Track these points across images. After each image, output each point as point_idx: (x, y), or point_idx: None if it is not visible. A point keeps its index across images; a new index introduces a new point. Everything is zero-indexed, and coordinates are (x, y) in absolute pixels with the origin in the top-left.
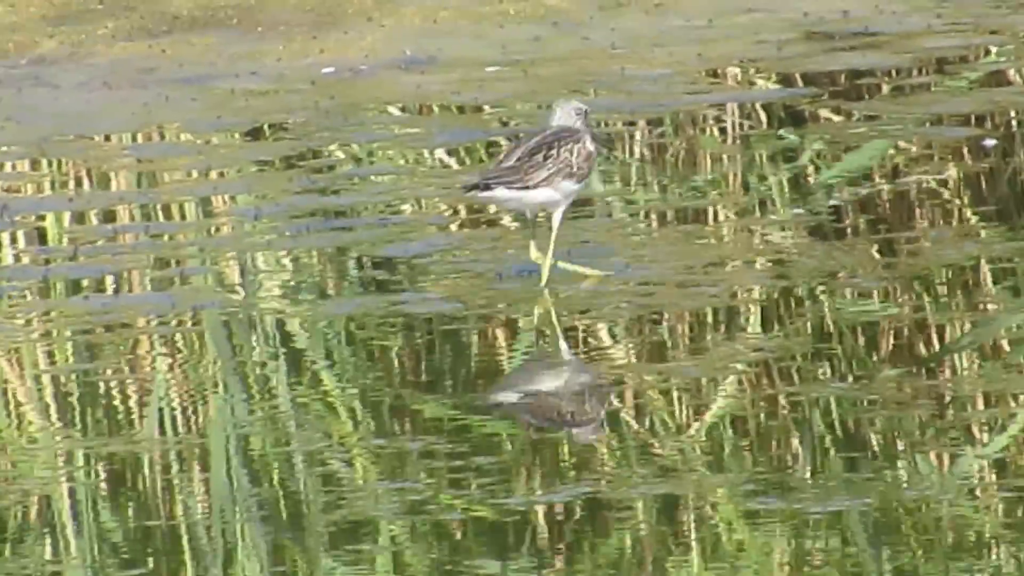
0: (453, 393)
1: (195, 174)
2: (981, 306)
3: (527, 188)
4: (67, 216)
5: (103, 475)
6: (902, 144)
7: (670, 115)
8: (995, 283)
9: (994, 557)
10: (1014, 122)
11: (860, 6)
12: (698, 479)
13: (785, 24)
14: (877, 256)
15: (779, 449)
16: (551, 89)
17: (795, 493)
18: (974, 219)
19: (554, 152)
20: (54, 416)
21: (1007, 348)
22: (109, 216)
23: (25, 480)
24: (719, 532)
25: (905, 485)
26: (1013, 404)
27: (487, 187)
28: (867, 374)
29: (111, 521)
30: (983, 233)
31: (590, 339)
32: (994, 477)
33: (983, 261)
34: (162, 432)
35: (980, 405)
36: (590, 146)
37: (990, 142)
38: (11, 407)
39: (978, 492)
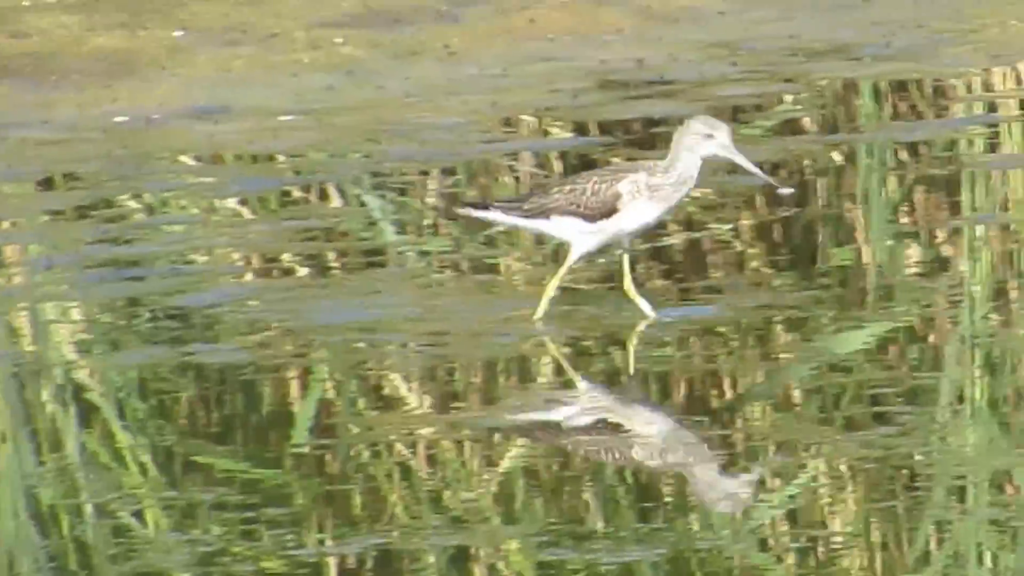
0: (245, 444)
1: None
2: (773, 356)
3: (524, 216)
4: None
5: None
6: (696, 192)
7: (464, 164)
8: (788, 332)
9: None
10: (808, 170)
11: (655, 54)
12: (491, 530)
13: (580, 73)
14: (666, 304)
15: (572, 499)
16: (345, 138)
17: (588, 543)
18: (768, 268)
19: (571, 186)
20: None
21: (798, 398)
22: None
23: None
24: None
25: (697, 535)
26: (804, 453)
27: (484, 207)
28: (657, 423)
29: None
30: (777, 282)
31: (384, 389)
32: (786, 526)
33: (776, 310)
34: None
35: (772, 454)
36: (625, 186)
37: (786, 190)
38: None
39: (770, 541)
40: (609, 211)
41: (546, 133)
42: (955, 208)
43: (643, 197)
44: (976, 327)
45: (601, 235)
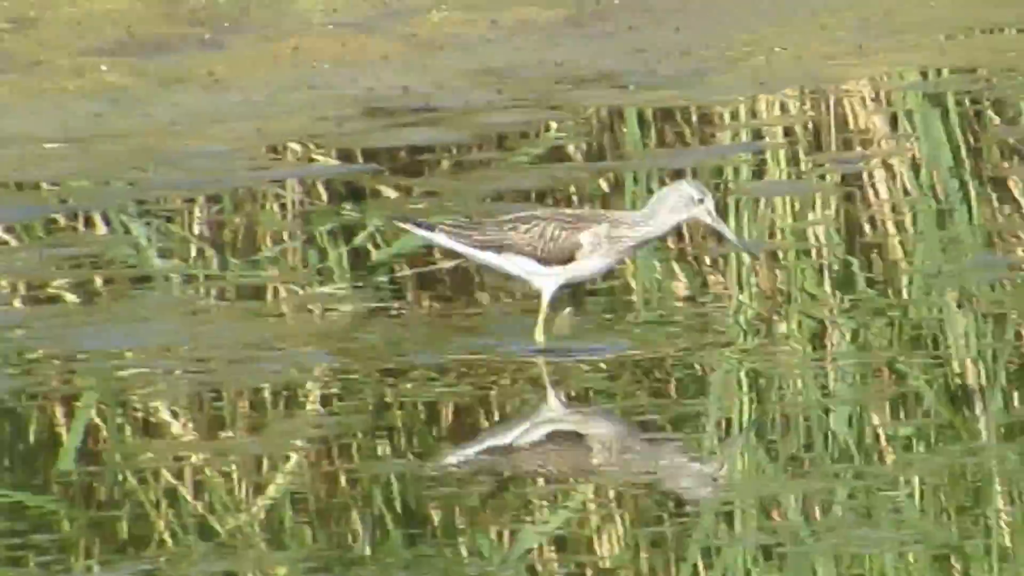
0: (11, 470)
1: None
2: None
3: (474, 246)
4: None
5: None
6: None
7: (230, 191)
8: (558, 356)
9: None
10: (574, 198)
11: (421, 82)
12: (258, 555)
13: (345, 100)
14: (438, 333)
15: (340, 526)
16: (111, 165)
17: (355, 570)
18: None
19: (528, 225)
20: None
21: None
22: None
23: None
24: None
25: (466, 561)
26: (572, 480)
27: (429, 227)
28: (428, 451)
29: None
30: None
31: (149, 416)
32: (554, 552)
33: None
34: None
35: (540, 481)
36: (587, 237)
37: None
38: None
39: (538, 567)
40: (566, 259)
41: (311, 160)
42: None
43: (602, 249)
44: (742, 354)
45: (555, 278)
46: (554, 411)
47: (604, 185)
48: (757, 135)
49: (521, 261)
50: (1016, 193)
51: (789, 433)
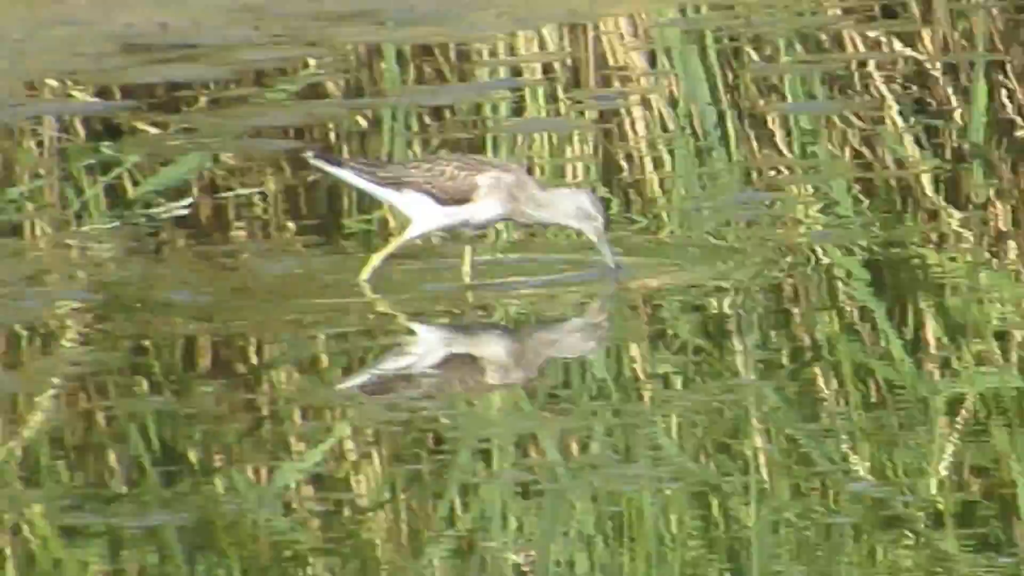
0: None
1: None
2: (301, 320)
3: (376, 182)
4: None
5: None
6: (221, 157)
7: None
8: (308, 296)
9: (362, 566)
10: (333, 134)
11: (179, 19)
12: (13, 495)
13: (103, 36)
14: (197, 270)
15: (96, 464)
16: None
17: (113, 508)
18: (293, 231)
19: (429, 165)
20: None
21: (325, 362)
22: None
23: None
24: (34, 548)
25: (223, 499)
26: (328, 418)
27: (338, 164)
28: (185, 389)
29: None
30: (301, 246)
31: None
32: (311, 491)
33: (302, 272)
34: None
35: (297, 419)
36: (485, 180)
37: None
38: None
39: (295, 505)
40: (462, 199)
41: (69, 97)
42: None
43: (501, 195)
44: (500, 291)
45: (446, 220)
46: (316, 346)
47: (363, 122)
48: (516, 72)
49: (418, 198)
50: (774, 130)
51: (546, 371)
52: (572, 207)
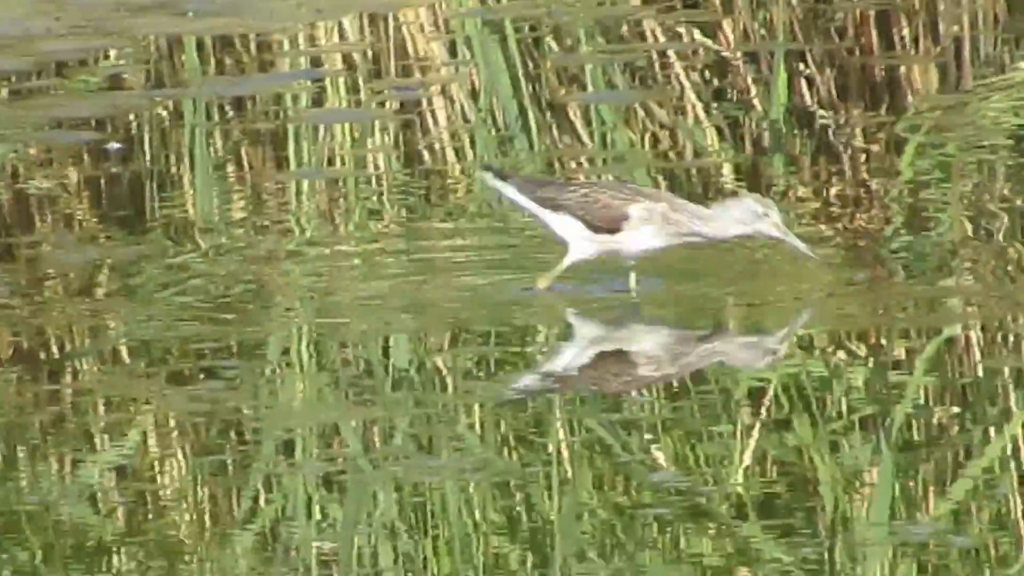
0: None
1: None
2: (98, 311)
3: (535, 202)
4: None
5: None
6: (21, 148)
7: None
8: (110, 283)
9: (116, 562)
10: (134, 126)
11: None
12: None
13: None
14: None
15: None
16: None
17: None
18: (95, 223)
19: (587, 190)
20: None
21: (127, 354)
22: None
23: None
24: None
25: (27, 491)
26: (131, 410)
27: (502, 177)
28: None
29: None
30: (104, 237)
31: None
32: (114, 482)
33: (104, 264)
34: None
35: (100, 411)
36: (636, 211)
37: (114, 146)
38: None
39: (99, 497)
40: (613, 228)
41: None
42: (282, 162)
43: (654, 225)
44: (286, 276)
45: (599, 247)
46: (118, 338)
47: (164, 112)
48: (316, 62)
49: (572, 223)
50: (574, 119)
51: (351, 360)
52: (741, 213)
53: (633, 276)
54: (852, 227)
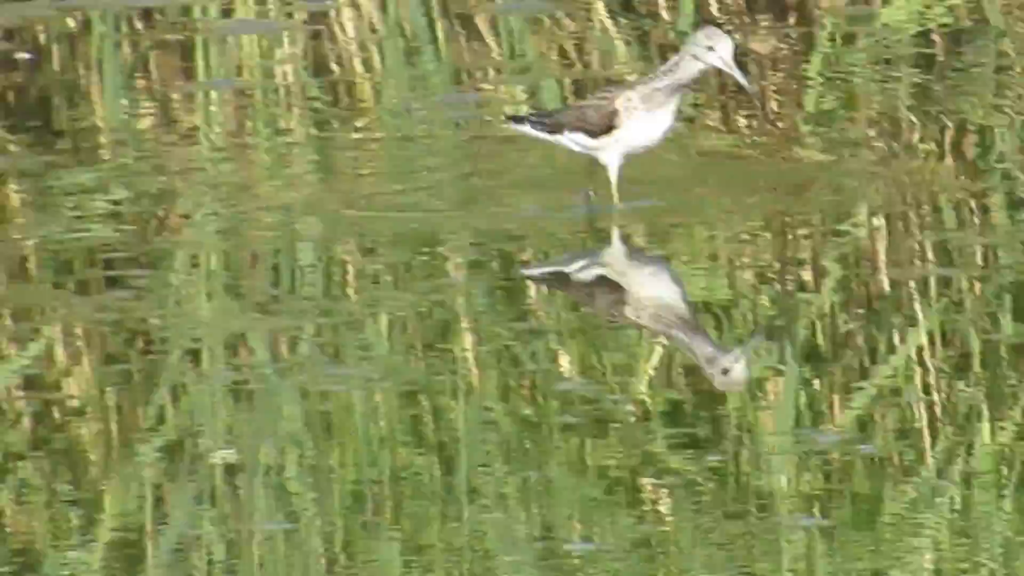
0: None
1: None
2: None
3: (546, 130)
4: None
5: None
6: None
7: None
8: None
9: None
10: (43, 36)
11: None
12: None
13: None
14: None
15: None
16: None
17: None
18: (5, 133)
19: (581, 102)
20: None
21: (34, 264)
22: None
23: None
24: None
25: None
26: (37, 319)
27: (520, 120)
28: None
29: None
30: (12, 147)
31: None
32: (21, 392)
33: (13, 174)
34: None
35: (7, 320)
36: (619, 103)
37: (24, 56)
38: None
39: (4, 407)
40: (609, 127)
41: None
42: (190, 72)
43: (638, 111)
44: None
45: (610, 149)
46: (24, 248)
47: (72, 23)
48: None
49: (577, 136)
50: (483, 30)
51: (255, 271)
52: (691, 49)
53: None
54: (756, 143)
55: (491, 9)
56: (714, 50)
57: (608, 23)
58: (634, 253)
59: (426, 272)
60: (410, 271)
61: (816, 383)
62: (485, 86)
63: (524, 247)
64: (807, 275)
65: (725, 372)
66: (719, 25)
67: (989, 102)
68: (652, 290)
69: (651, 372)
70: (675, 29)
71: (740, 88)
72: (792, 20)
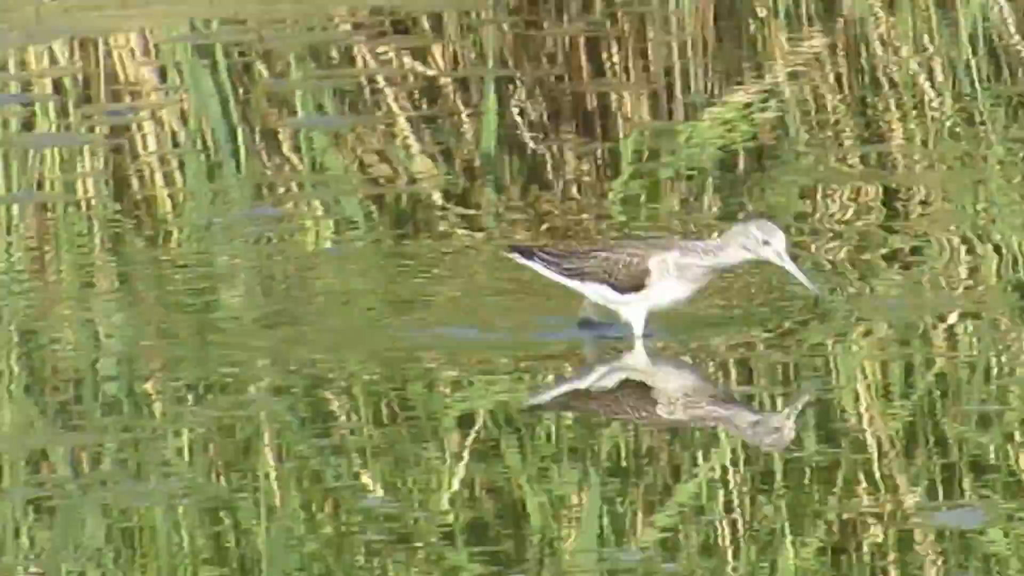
0: None
1: None
2: None
3: (562, 273)
4: None
5: None
6: None
7: None
8: None
9: None
10: None
11: None
12: None
13: None
14: None
15: None
16: None
17: None
18: None
19: (607, 254)
20: None
21: None
22: None
23: None
24: None
25: None
26: None
27: (527, 254)
28: None
29: None
30: None
31: None
32: None
33: None
34: None
35: None
36: (653, 263)
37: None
38: None
39: None
40: (637, 286)
41: None
42: None
43: (671, 277)
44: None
45: (636, 307)
46: None
47: None
48: (26, 86)
49: (599, 288)
50: (284, 144)
51: (59, 386)
52: (745, 239)
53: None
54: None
55: (293, 123)
56: (770, 244)
57: (410, 137)
58: (650, 354)
59: (229, 388)
60: (212, 388)
61: (619, 501)
62: (287, 201)
63: (333, 366)
64: (603, 395)
65: (775, 431)
66: (771, 218)
67: (793, 215)
68: (678, 381)
69: (455, 489)
70: (478, 144)
71: (799, 282)
72: (595, 135)
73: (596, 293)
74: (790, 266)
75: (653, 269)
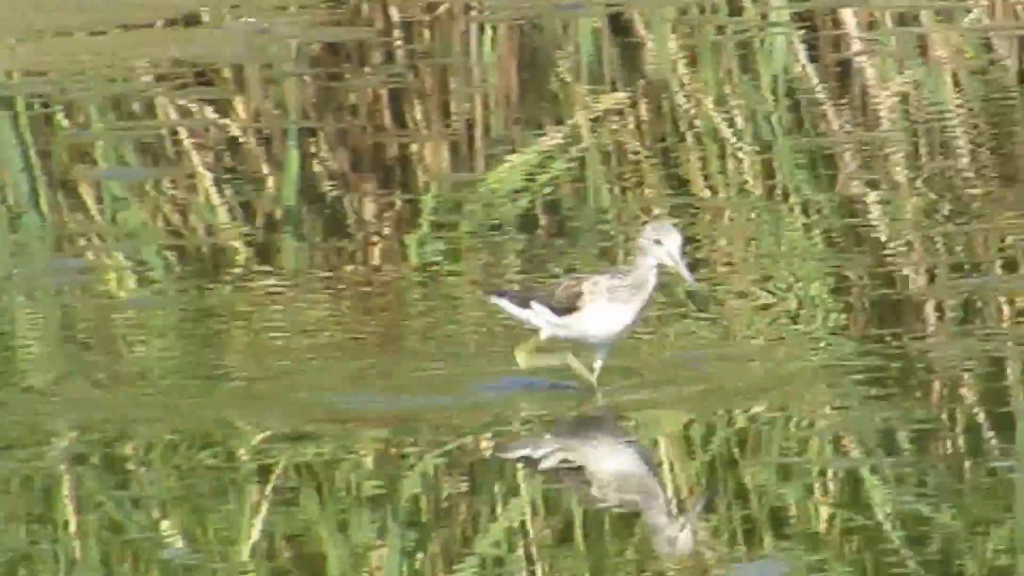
0: None
1: None
2: None
3: (519, 304)
4: None
5: None
6: None
7: None
8: None
9: None
10: None
11: None
12: None
13: None
14: None
15: None
16: None
17: None
18: None
19: (554, 281)
20: None
21: None
22: None
23: None
24: None
25: None
26: None
27: (502, 294)
28: None
29: None
30: None
31: None
32: None
33: None
34: None
35: None
36: (587, 286)
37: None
38: None
39: None
40: (572, 308)
41: None
42: None
43: (602, 299)
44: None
45: (566, 330)
46: None
47: None
48: None
49: (543, 311)
50: (85, 196)
51: None
52: (642, 243)
53: None
54: (367, 307)
55: (93, 176)
56: (661, 244)
57: (211, 190)
58: (597, 433)
59: (28, 440)
60: (10, 439)
61: (419, 552)
62: (87, 252)
63: (134, 416)
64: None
65: (671, 542)
66: (667, 219)
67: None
68: (613, 465)
69: (254, 540)
70: (279, 196)
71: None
72: (396, 187)
73: (542, 316)
74: (681, 268)
75: (586, 291)
